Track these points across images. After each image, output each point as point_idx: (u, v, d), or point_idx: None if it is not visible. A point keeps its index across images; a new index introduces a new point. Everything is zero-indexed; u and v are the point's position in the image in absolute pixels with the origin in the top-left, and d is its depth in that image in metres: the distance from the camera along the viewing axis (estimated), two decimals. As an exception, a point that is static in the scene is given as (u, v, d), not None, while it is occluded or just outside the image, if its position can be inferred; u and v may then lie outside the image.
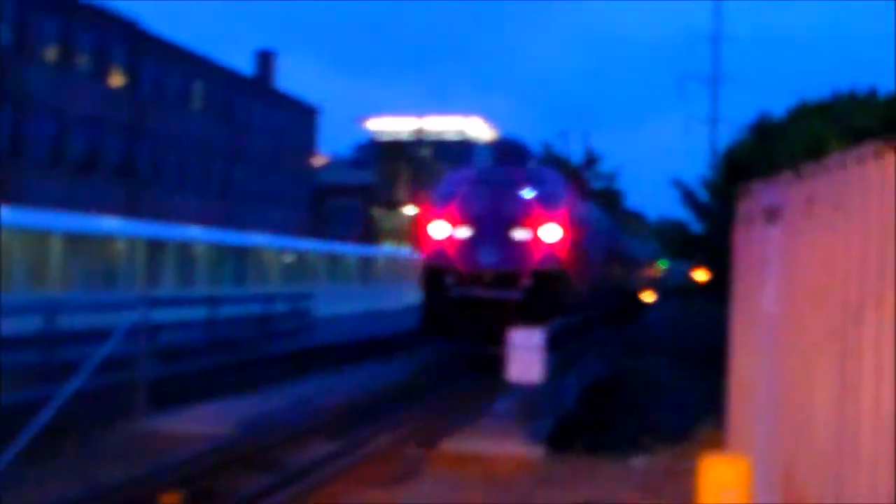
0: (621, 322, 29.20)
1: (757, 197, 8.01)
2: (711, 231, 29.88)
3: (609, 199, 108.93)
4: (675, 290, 54.91)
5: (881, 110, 19.69)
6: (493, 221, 18.44)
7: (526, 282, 17.98)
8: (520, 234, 18.32)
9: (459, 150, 72.54)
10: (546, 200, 18.63)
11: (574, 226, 18.82)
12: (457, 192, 19.15)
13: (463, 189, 19.16)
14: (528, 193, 18.67)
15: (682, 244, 46.47)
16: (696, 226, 36.36)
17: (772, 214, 7.48)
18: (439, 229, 18.78)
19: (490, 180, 19.31)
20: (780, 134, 23.19)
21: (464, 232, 18.55)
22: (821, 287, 6.17)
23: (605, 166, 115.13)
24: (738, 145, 26.99)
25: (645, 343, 29.02)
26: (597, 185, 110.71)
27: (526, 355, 12.05)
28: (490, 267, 18.28)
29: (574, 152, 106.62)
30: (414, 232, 27.08)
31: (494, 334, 13.13)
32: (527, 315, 16.14)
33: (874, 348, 5.25)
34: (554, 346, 13.66)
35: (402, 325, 34.29)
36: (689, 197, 33.03)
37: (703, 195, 32.50)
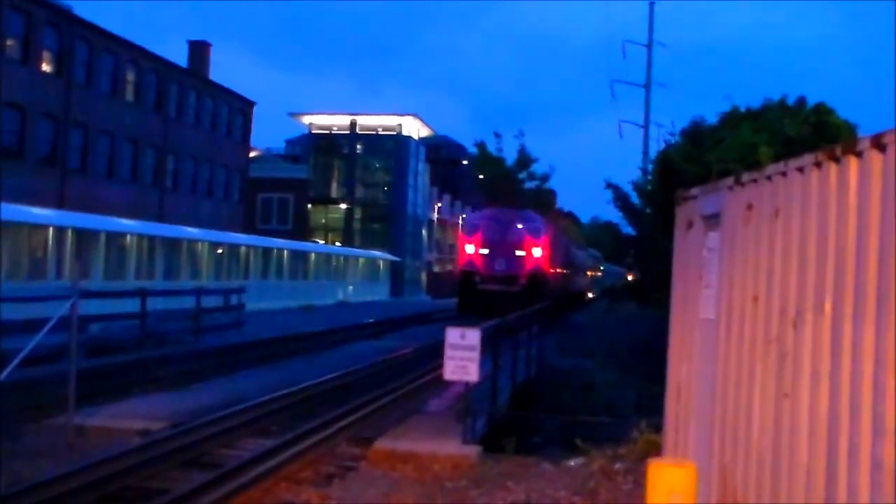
0: (572, 309, 42.63)
1: (696, 202, 8.08)
2: (642, 233, 30.27)
3: (542, 200, 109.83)
4: (610, 290, 57.98)
5: (810, 119, 20.21)
6: (501, 244, 32.94)
7: (522, 281, 32.22)
8: (518, 252, 32.98)
9: (393, 147, 72.38)
10: (533, 232, 33.78)
11: (549, 247, 33.84)
12: (479, 226, 34.16)
13: (482, 224, 34.17)
14: (521, 227, 33.52)
15: (613, 245, 46.98)
16: (627, 228, 36.83)
17: (711, 220, 7.55)
18: (469, 248, 33.44)
19: (499, 219, 34.09)
20: (712, 139, 23.64)
21: (484, 250, 33.00)
22: (759, 292, 6.25)
23: (539, 167, 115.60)
24: (671, 150, 27.40)
25: (577, 343, 29.26)
26: (530, 185, 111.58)
27: (462, 354, 12.00)
28: (500, 272, 32.47)
29: (508, 153, 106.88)
30: (455, 249, 41.39)
31: (502, 312, 18.62)
32: (523, 301, 27.32)
33: (811, 353, 5.33)
34: (488, 346, 13.73)
35: (334, 320, 34.19)
36: (621, 199, 33.40)
37: (635, 198, 32.91)
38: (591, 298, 52.89)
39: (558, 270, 38.09)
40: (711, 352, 7.13)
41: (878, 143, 4.68)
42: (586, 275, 57.24)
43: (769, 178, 6.25)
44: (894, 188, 4.49)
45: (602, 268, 65.60)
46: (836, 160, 5.20)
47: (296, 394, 15.76)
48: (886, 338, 4.44)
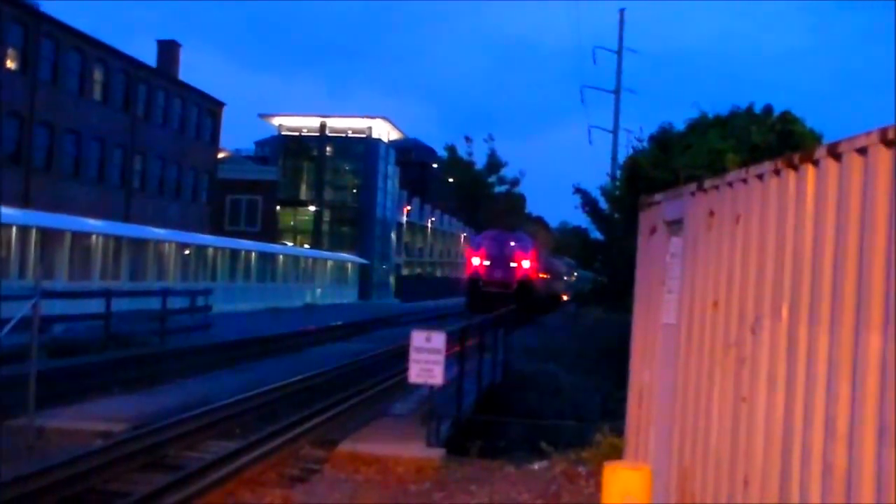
0: (552, 310, 52.37)
1: (659, 208, 8.16)
2: (610, 238, 30.42)
3: (511, 204, 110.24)
4: (579, 295, 60.59)
5: (776, 127, 20.43)
6: (499, 257, 44.20)
7: (514, 286, 42.99)
8: (512, 264, 44.20)
9: (363, 150, 72.27)
10: (523, 248, 45.31)
11: (535, 260, 46.04)
12: (482, 244, 45.65)
13: (485, 242, 45.67)
14: (514, 244, 44.97)
15: (582, 250, 47.24)
16: (596, 233, 36.99)
17: (674, 226, 7.63)
18: (475, 260, 44.63)
19: (497, 238, 45.61)
20: (679, 146, 23.81)
21: (486, 262, 44.19)
22: (719, 298, 6.32)
23: (509, 171, 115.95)
24: (639, 156, 27.56)
25: (544, 347, 29.36)
26: (499, 189, 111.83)
27: (427, 357, 12.00)
28: (498, 279, 43.39)
29: (478, 156, 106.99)
30: (465, 260, 52.53)
31: (500, 308, 26.17)
32: (515, 301, 37.64)
33: (769, 358, 5.41)
34: (454, 349, 13.74)
35: (301, 323, 34.10)
36: (589, 204, 33.54)
37: (603, 203, 33.06)
38: (565, 301, 61.60)
39: (541, 276, 51.25)
40: (672, 356, 7.20)
41: (834, 152, 4.76)
42: (563, 280, 67.94)
43: (730, 184, 6.33)
44: (848, 197, 4.57)
45: (576, 274, 71.14)
46: (795, 168, 5.28)
47: (261, 396, 15.70)
48: (840, 343, 4.52)
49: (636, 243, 8.78)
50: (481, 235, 49.23)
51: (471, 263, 46.67)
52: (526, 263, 46.05)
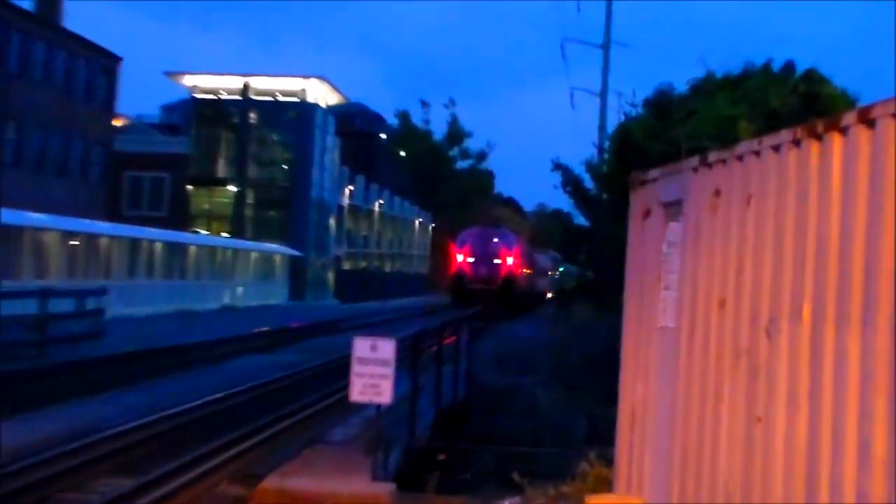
0: (533, 308, 60.38)
1: (655, 187, 8.19)
2: (597, 224, 30.58)
3: (477, 183, 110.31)
4: (560, 293, 63.46)
5: (799, 88, 20.62)
6: (483, 254, 54.52)
7: (498, 282, 53.74)
8: (496, 260, 54.80)
9: (295, 117, 71.93)
10: (507, 245, 56.27)
11: (519, 257, 57.23)
12: (467, 240, 56.18)
13: (470, 239, 56.10)
14: (498, 241, 55.89)
15: (563, 239, 47.51)
16: (580, 218, 37.14)
17: (672, 209, 7.65)
18: (459, 257, 55.03)
19: (482, 234, 56.00)
20: (681, 112, 23.97)
21: (470, 259, 54.53)
22: (728, 296, 6.35)
23: (474, 144, 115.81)
24: (631, 124, 27.73)
25: (517, 356, 29.47)
26: (463, 165, 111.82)
27: (372, 370, 11.97)
28: (482, 275, 53.54)
29: (436, 125, 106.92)
30: (447, 257, 61.54)
31: (483, 305, 37.58)
32: (498, 297, 52.00)
33: (788, 370, 5.43)
34: (406, 359, 13.72)
35: (218, 329, 33.93)
36: (572, 183, 33.69)
37: (588, 182, 33.19)
38: (549, 298, 67.57)
39: (525, 272, 60.47)
40: (671, 367, 7.23)
41: (866, 118, 4.78)
42: (547, 275, 75.70)
43: (740, 158, 6.36)
44: (883, 171, 4.59)
45: (562, 269, 76.86)
46: (818, 137, 5.30)
47: (167, 420, 15.58)
48: (874, 350, 4.53)
49: (627, 230, 8.82)
50: (466, 232, 58.87)
51: (455, 260, 56.86)
52: (510, 260, 55.89)
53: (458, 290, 54.92)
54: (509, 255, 55.84)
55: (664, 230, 7.78)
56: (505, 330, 41.59)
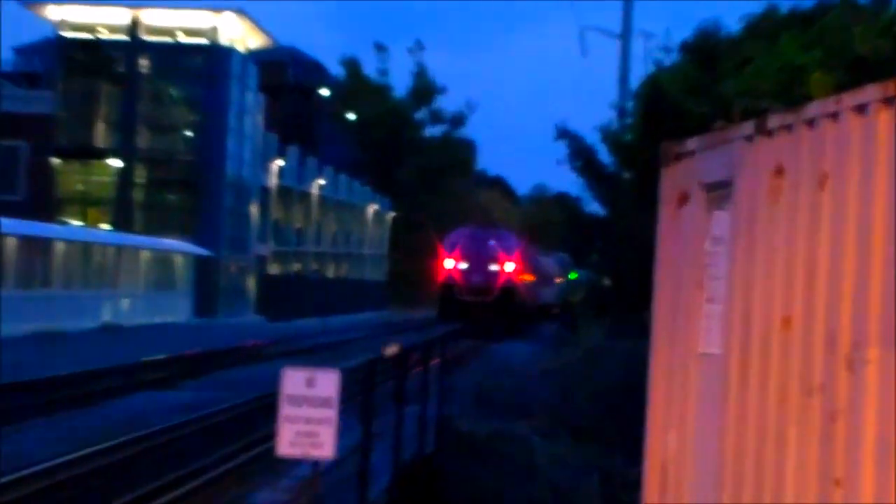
0: (537, 323, 65.70)
1: (694, 162, 8.18)
2: (617, 213, 30.64)
3: (453, 157, 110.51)
4: (565, 306, 67.05)
5: (894, 29, 20.65)
6: (477, 259, 62.16)
7: (495, 293, 61.45)
8: (493, 267, 62.41)
9: (203, 65, 71.66)
10: (506, 248, 63.38)
11: (520, 262, 63.83)
12: (458, 243, 63.43)
13: (461, 241, 63.41)
14: (495, 244, 63.25)
15: (570, 233, 47.61)
16: (594, 205, 37.24)
17: (718, 192, 7.65)
18: (449, 263, 62.38)
19: (476, 236, 63.68)
20: (732, 60, 24.04)
21: (462, 265, 62.14)
22: (795, 313, 6.33)
23: (448, 103, 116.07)
24: (664, 76, 27.79)
25: (505, 394, 29.50)
26: (433, 132, 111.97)
27: (308, 413, 11.94)
28: (476, 284, 61.51)
29: (398, 78, 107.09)
30: (435, 262, 66.19)
31: (477, 321, 52.89)
32: (495, 311, 60.12)
33: (878, 414, 5.41)
34: (356, 397, 13.70)
35: (95, 357, 33.75)
36: (583, 157, 33.78)
37: (605, 154, 33.28)
38: (555, 313, 73.08)
39: (528, 281, 66.71)
40: (716, 409, 7.21)
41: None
42: (554, 284, 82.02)
43: (811, 123, 6.34)
44: None
45: (575, 275, 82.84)
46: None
47: (21, 485, 15.45)
48: None
49: (656, 221, 8.81)
50: (456, 232, 65.49)
51: (443, 267, 63.15)
52: (509, 266, 62.27)
53: (447, 303, 61.86)
54: (508, 261, 62.21)
55: (707, 221, 7.77)
56: (493, 356, 41.64)
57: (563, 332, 40.71)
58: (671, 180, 8.62)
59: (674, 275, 8.30)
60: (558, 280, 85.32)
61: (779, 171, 6.71)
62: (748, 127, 7.28)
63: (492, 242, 62.53)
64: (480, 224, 68.48)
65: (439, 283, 63.80)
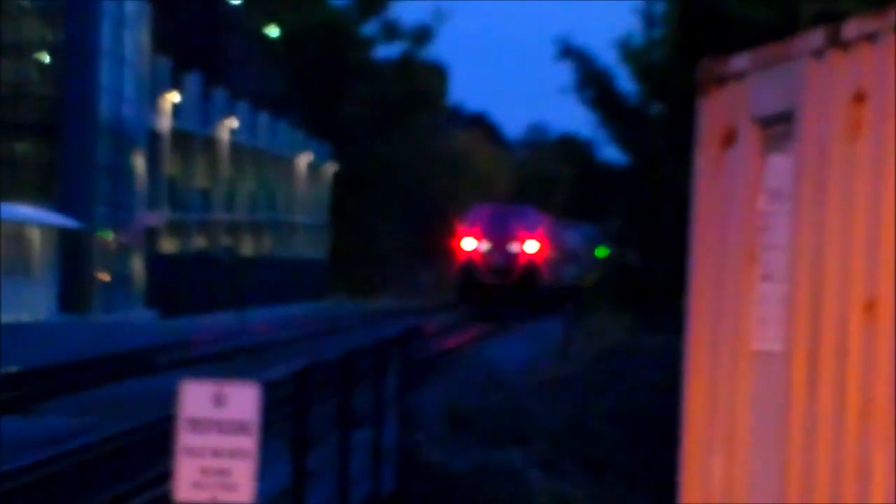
0: (558, 306, 68.29)
1: (744, 87, 8.23)
2: (643, 161, 30.79)
3: (416, 87, 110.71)
4: (586, 290, 70.91)
5: None
6: (499, 239, 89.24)
7: (516, 275, 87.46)
8: (514, 247, 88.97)
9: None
10: (528, 225, 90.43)
11: (545, 241, 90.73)
12: (477, 221, 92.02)
13: (480, 220, 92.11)
14: (517, 221, 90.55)
15: (579, 189, 47.83)
16: (610, 151, 37.37)
17: (776, 129, 7.70)
18: (469, 243, 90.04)
19: (497, 213, 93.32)
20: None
21: (483, 245, 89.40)
22: (880, 295, 6.39)
23: (408, 13, 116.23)
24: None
25: (492, 413, 29.64)
26: (388, 53, 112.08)
27: (217, 443, 12.02)
28: (497, 265, 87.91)
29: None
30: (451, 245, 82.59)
31: (498, 303, 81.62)
32: (517, 293, 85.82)
33: None
34: (285, 420, 13.76)
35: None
36: (595, 83, 33.88)
37: (626, 80, 33.39)
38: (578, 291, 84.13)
39: (552, 259, 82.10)
40: (777, 427, 7.27)
41: None
42: (580, 261, 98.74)
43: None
44: None
45: (603, 253, 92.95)
46: None
47: None
48: None
49: (691, 170, 8.85)
50: (474, 210, 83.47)
51: (462, 248, 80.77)
52: (532, 246, 79.21)
53: (466, 285, 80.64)
54: (531, 238, 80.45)
55: (761, 169, 7.81)
56: (475, 361, 41.69)
57: (569, 327, 40.70)
58: (712, 113, 8.64)
59: (716, 244, 8.34)
60: (587, 252, 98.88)
61: (859, 98, 6.76)
62: (818, 37, 7.31)
63: (513, 220, 77.74)
64: (500, 202, 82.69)
65: (459, 264, 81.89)
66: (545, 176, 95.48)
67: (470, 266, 76.44)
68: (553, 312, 68.56)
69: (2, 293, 61.96)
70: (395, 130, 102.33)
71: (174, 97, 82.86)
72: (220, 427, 11.86)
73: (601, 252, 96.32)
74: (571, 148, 51.32)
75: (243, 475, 11.85)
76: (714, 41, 16.78)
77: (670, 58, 28.25)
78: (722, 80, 8.57)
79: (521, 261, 75.77)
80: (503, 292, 73.14)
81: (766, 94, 7.83)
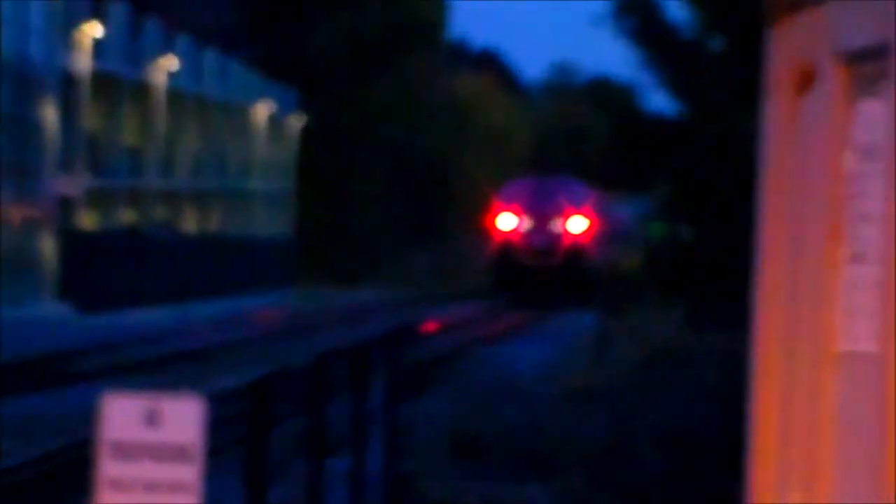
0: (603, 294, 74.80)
1: (826, 17, 8.19)
2: (698, 110, 30.95)
3: (404, 14, 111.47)
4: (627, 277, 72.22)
5: None
6: (541, 216, 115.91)
7: (560, 256, 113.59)
8: (557, 226, 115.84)
9: None
10: (574, 202, 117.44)
11: (591, 218, 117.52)
12: (517, 196, 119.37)
13: (520, 195, 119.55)
14: (561, 196, 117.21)
15: (618, 145, 48.21)
16: (658, 98, 37.58)
17: (866, 67, 7.66)
18: (507, 221, 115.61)
19: (539, 188, 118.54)
20: None
21: (523, 224, 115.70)
22: None
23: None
24: None
25: (504, 434, 29.72)
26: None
27: (148, 473, 12.07)
28: (539, 246, 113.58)
29: None
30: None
31: (541, 289, 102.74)
32: (559, 277, 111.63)
33: None
34: (238, 444, 13.82)
35: None
36: (637, 13, 34.06)
37: (676, 10, 33.56)
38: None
39: (601, 238, 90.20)
40: (871, 447, 7.25)
41: None
42: (632, 240, 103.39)
43: None
44: None
45: (657, 231, 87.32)
46: None
47: None
48: None
49: (759, 122, 8.83)
50: (514, 183, 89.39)
51: (498, 226, 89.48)
52: (577, 224, 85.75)
53: (504, 268, 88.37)
54: (577, 214, 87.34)
55: (849, 119, 7.77)
56: (482, 367, 41.85)
57: (604, 322, 40.85)
58: (785, 48, 8.61)
59: (791, 215, 8.31)
60: (636, 236, 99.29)
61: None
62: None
63: (556, 195, 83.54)
64: (542, 174, 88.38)
65: (495, 245, 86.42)
66: (573, 130, 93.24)
67: (507, 247, 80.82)
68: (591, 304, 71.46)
69: None
70: (380, 73, 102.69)
71: (95, 30, 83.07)
72: (154, 453, 11.87)
73: (655, 229, 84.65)
74: (606, 95, 51.59)
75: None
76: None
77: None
78: (798, 5, 8.54)
79: (566, 241, 79.57)
80: (544, 277, 78.83)
81: (855, 22, 7.79)
